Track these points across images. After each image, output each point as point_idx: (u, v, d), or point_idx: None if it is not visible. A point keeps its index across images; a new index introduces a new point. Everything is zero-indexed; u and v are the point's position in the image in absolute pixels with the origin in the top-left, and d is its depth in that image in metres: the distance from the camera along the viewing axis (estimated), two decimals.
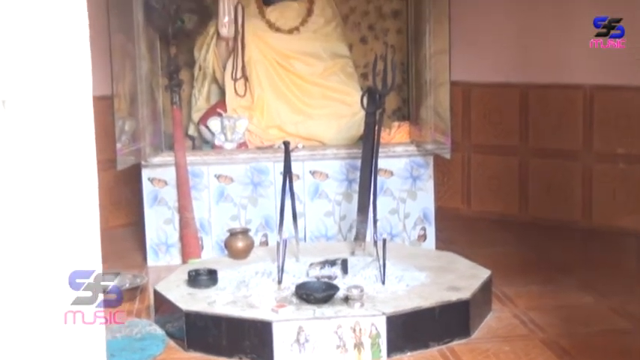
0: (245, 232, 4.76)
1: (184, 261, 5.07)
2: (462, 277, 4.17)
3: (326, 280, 4.01)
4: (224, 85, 5.61)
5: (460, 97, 6.29)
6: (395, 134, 5.52)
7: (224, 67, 5.63)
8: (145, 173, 5.23)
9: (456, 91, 5.80)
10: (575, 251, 5.48)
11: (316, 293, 3.82)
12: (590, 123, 5.89)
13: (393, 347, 3.68)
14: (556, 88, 6.00)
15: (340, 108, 5.53)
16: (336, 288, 3.87)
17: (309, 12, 5.80)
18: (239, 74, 5.53)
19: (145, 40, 5.19)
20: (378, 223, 4.57)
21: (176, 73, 5.34)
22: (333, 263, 4.18)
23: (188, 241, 5.13)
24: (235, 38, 5.54)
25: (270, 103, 5.53)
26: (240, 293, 3.96)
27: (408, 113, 5.95)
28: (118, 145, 4.84)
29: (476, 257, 4.62)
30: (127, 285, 4.64)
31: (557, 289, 4.60)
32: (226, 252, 4.72)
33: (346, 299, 3.76)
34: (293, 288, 3.92)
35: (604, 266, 5.09)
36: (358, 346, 3.63)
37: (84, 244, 1.96)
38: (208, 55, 5.70)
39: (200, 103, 5.80)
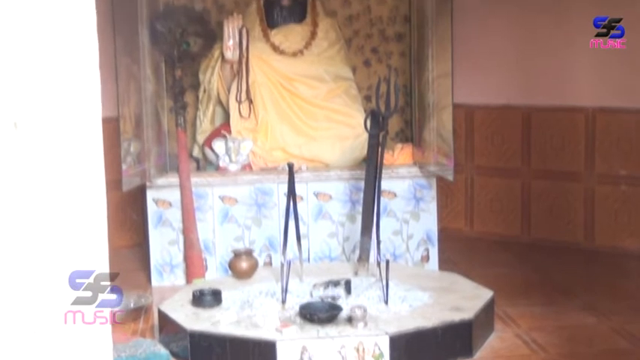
0: (249, 252, 4.78)
1: (188, 281, 5.09)
2: (464, 298, 4.19)
3: (329, 300, 4.04)
4: (228, 108, 5.66)
5: (463, 119, 6.33)
6: (398, 156, 5.55)
7: (228, 90, 5.67)
8: (150, 194, 5.26)
9: (458, 113, 5.85)
10: (577, 272, 5.49)
11: (320, 313, 3.84)
12: (592, 145, 5.93)
13: None
14: (558, 111, 6.04)
15: (344, 130, 5.57)
16: (339, 308, 3.89)
17: (313, 35, 5.85)
18: (243, 97, 5.57)
19: (151, 62, 5.25)
20: (382, 244, 4.58)
21: (181, 95, 5.37)
22: (336, 284, 4.21)
23: (192, 262, 5.16)
24: (240, 61, 5.59)
25: (274, 125, 5.56)
26: (244, 313, 3.99)
27: (411, 135, 5.99)
28: (124, 167, 4.88)
29: (479, 278, 4.65)
30: (132, 305, 4.67)
31: (559, 310, 4.62)
32: (230, 272, 4.75)
33: (350, 319, 3.78)
34: (297, 308, 3.95)
35: (606, 287, 5.10)
36: None
37: (92, 263, 1.99)
38: (213, 77, 5.75)
39: (205, 125, 5.84)
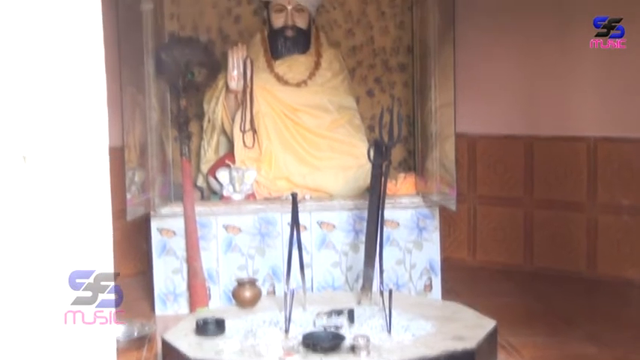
0: (252, 282, 4.79)
1: (192, 310, 5.11)
2: (467, 327, 4.19)
3: (333, 329, 4.04)
4: (232, 137, 5.69)
5: (466, 149, 6.37)
6: (401, 186, 5.57)
7: (233, 120, 5.71)
8: (154, 223, 5.29)
9: (461, 142, 5.88)
10: (579, 302, 5.50)
11: (323, 342, 3.85)
12: (595, 174, 5.96)
13: None
14: (560, 140, 6.07)
15: (347, 160, 5.60)
16: (342, 337, 3.89)
17: (317, 65, 5.90)
18: (247, 126, 5.61)
19: (156, 92, 5.29)
20: (385, 274, 4.59)
21: (186, 125, 5.41)
22: (339, 313, 4.21)
23: (196, 291, 5.17)
24: (244, 91, 5.63)
25: (278, 154, 5.60)
26: (247, 342, 3.99)
27: (414, 165, 6.02)
28: (128, 196, 4.90)
29: (481, 307, 4.64)
30: (136, 334, 4.68)
31: (562, 340, 4.62)
32: (234, 301, 4.76)
33: (353, 348, 3.78)
34: (300, 337, 3.95)
35: (609, 317, 5.11)
36: None
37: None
38: (217, 107, 5.79)
39: (209, 154, 5.88)
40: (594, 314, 5.20)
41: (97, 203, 2.01)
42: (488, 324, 4.26)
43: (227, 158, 5.64)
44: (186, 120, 5.44)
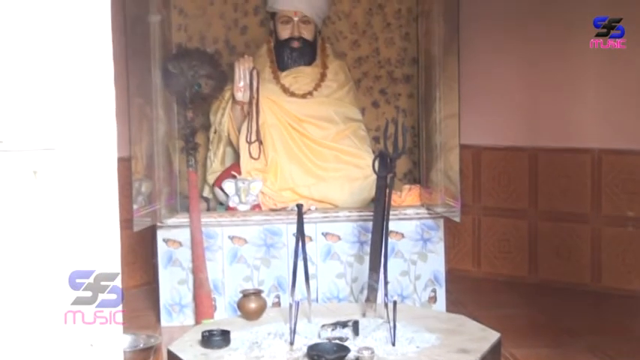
0: (258, 293, 4.80)
1: (197, 321, 5.13)
2: (471, 339, 4.21)
3: (337, 341, 4.06)
4: (239, 148, 5.72)
5: (470, 160, 6.38)
6: (406, 197, 5.59)
7: (239, 131, 5.74)
8: (160, 234, 5.31)
9: (466, 154, 5.90)
10: (584, 313, 5.50)
11: (328, 354, 3.86)
12: (599, 186, 5.97)
13: None
14: (564, 152, 6.09)
15: (352, 171, 5.62)
16: (347, 349, 3.91)
17: (323, 77, 5.93)
18: (253, 137, 5.64)
19: (163, 103, 5.31)
20: (389, 285, 4.61)
21: (192, 136, 5.43)
22: (344, 325, 4.23)
23: (201, 302, 5.19)
24: (250, 102, 5.66)
25: (283, 165, 5.62)
26: (252, 354, 4.01)
27: (418, 176, 6.04)
28: (135, 207, 4.93)
29: (485, 319, 4.66)
30: (142, 345, 4.69)
31: (565, 352, 4.63)
32: (239, 313, 4.77)
33: None
34: (305, 349, 3.97)
35: (613, 329, 5.12)
36: None
37: None
38: (224, 118, 5.82)
39: (215, 165, 5.90)
40: (598, 326, 5.21)
41: (105, 214, 2.04)
42: (493, 336, 4.27)
43: (233, 169, 5.67)
44: (193, 131, 5.46)
